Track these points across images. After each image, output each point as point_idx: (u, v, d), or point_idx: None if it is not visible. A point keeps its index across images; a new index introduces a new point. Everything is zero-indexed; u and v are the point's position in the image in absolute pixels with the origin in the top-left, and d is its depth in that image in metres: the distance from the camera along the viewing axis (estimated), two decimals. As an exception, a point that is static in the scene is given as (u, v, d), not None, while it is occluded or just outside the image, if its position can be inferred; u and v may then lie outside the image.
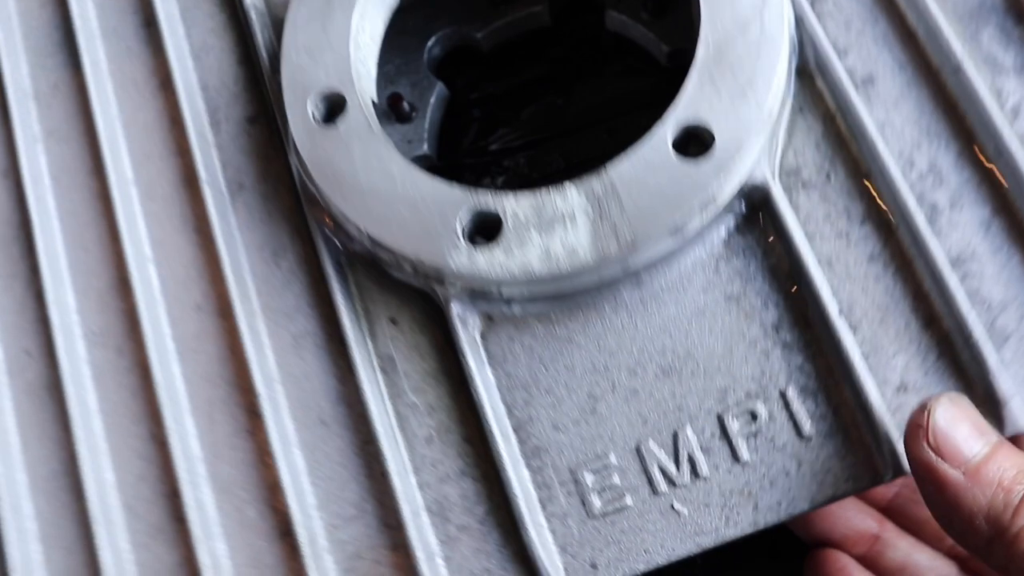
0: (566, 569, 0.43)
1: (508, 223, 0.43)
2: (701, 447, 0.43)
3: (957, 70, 0.44)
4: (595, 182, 0.43)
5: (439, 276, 0.45)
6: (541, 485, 0.44)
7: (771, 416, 0.43)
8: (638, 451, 0.44)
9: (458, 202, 0.44)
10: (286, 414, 0.48)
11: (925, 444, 0.38)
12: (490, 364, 0.46)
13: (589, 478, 0.44)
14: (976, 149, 0.44)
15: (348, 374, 0.47)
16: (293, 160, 0.50)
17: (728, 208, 0.44)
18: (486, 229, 0.44)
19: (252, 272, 0.50)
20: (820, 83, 0.46)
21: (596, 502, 0.44)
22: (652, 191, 0.42)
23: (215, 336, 0.50)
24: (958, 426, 0.38)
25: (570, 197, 0.43)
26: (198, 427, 0.49)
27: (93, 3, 0.58)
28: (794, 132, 0.46)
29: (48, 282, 0.53)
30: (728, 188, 0.43)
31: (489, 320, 0.47)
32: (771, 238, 0.45)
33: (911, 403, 0.42)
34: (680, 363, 0.44)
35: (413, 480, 0.46)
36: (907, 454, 0.39)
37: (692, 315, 0.45)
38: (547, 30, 0.61)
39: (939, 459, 0.37)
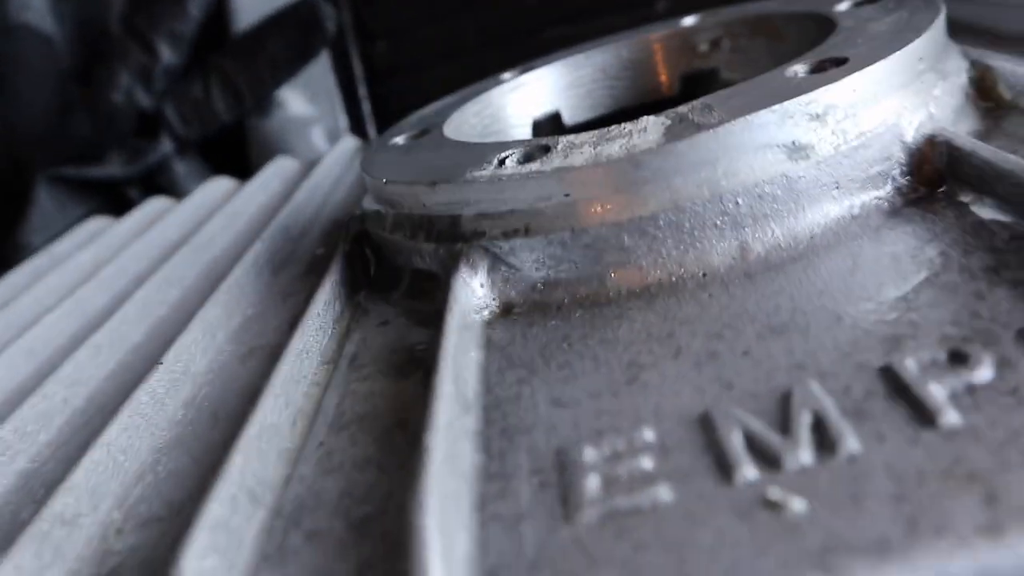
0: (482, 612, 0.14)
1: (557, 147, 0.25)
2: (843, 409, 0.16)
3: None
4: (683, 106, 0.25)
5: (452, 213, 0.26)
6: (494, 475, 0.18)
7: (1004, 361, 0.16)
8: (704, 421, 0.17)
9: (507, 146, 0.27)
10: (177, 402, 0.26)
11: None
12: (485, 348, 0.23)
13: (589, 457, 0.17)
14: None
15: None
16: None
17: (884, 153, 0.23)
18: (527, 159, 0.26)
19: (251, 294, 0.32)
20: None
21: (590, 494, 0.16)
22: (758, 98, 0.24)
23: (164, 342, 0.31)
24: None
25: (644, 120, 0.25)
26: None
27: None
28: (991, 137, 0.26)
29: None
30: (873, 112, 0.23)
31: (507, 309, 0.25)
32: (968, 198, 0.22)
33: None
34: (805, 319, 0.19)
35: (280, 472, 0.20)
36: None
37: (832, 276, 0.21)
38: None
39: None
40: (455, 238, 0.26)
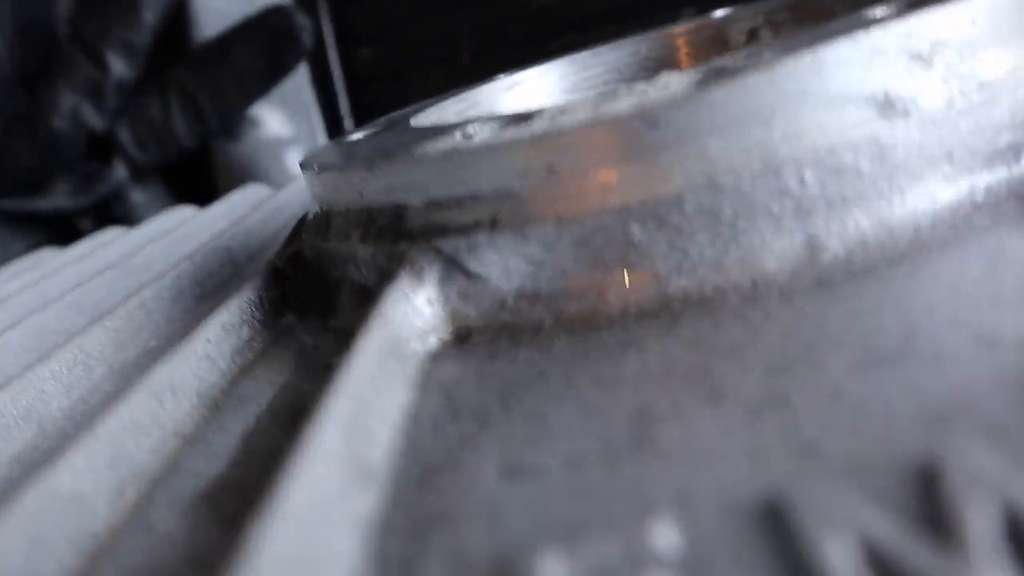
0: None
1: (544, 115, 0.18)
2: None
3: None
4: (727, 58, 0.18)
5: (396, 202, 0.18)
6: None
7: None
8: (772, 514, 0.09)
9: (479, 121, 0.20)
10: (3, 458, 0.18)
11: None
12: (421, 390, 0.15)
13: (555, 570, 0.09)
14: None
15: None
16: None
17: (1018, 116, 0.16)
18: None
19: (160, 321, 0.25)
20: None
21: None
22: (833, 34, 0.16)
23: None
24: None
25: (665, 77, 0.18)
26: None
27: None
28: None
29: None
30: (999, 54, 0.16)
31: (462, 336, 0.17)
32: None
33: None
34: (933, 341, 0.11)
35: (77, 567, 0.12)
36: None
37: (961, 278, 0.13)
38: None
39: None
40: (398, 236, 0.18)
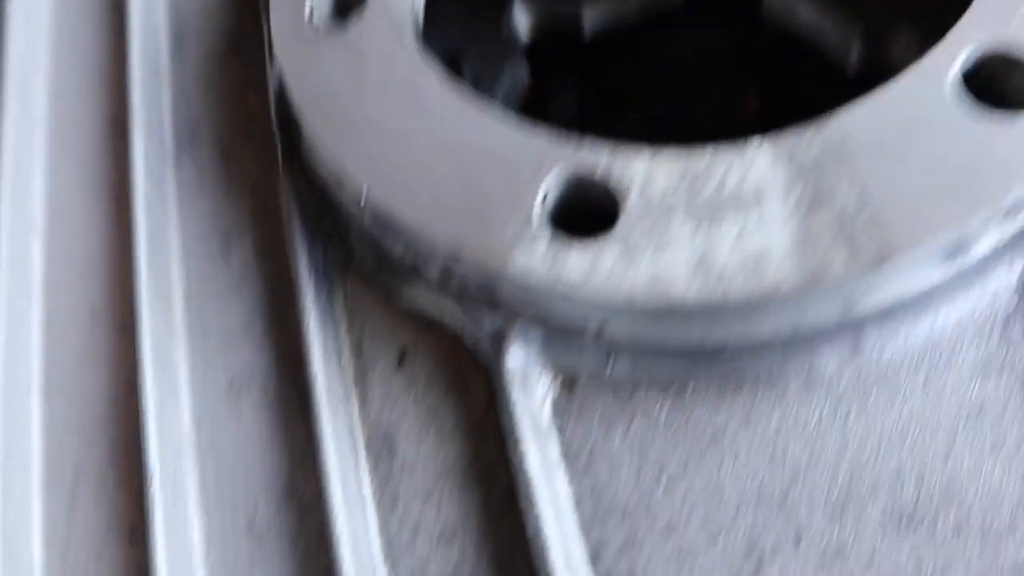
0: None
1: (630, 201, 0.18)
2: None
3: None
4: (805, 141, 0.17)
5: (490, 291, 0.19)
6: None
7: None
8: None
9: (543, 158, 0.19)
10: (194, 510, 0.22)
11: None
12: (567, 467, 0.20)
13: None
14: None
15: (307, 454, 0.21)
16: (273, 87, 0.25)
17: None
18: (587, 212, 0.19)
19: (184, 264, 0.25)
20: None
21: None
22: (920, 164, 0.17)
23: (106, 365, 0.24)
24: None
25: (757, 163, 0.18)
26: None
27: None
28: None
29: None
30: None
31: (569, 385, 0.21)
32: None
33: None
34: (933, 503, 0.18)
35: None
36: None
37: (952, 415, 0.19)
38: (675, 15, 0.34)
39: None
40: (492, 303, 0.20)
